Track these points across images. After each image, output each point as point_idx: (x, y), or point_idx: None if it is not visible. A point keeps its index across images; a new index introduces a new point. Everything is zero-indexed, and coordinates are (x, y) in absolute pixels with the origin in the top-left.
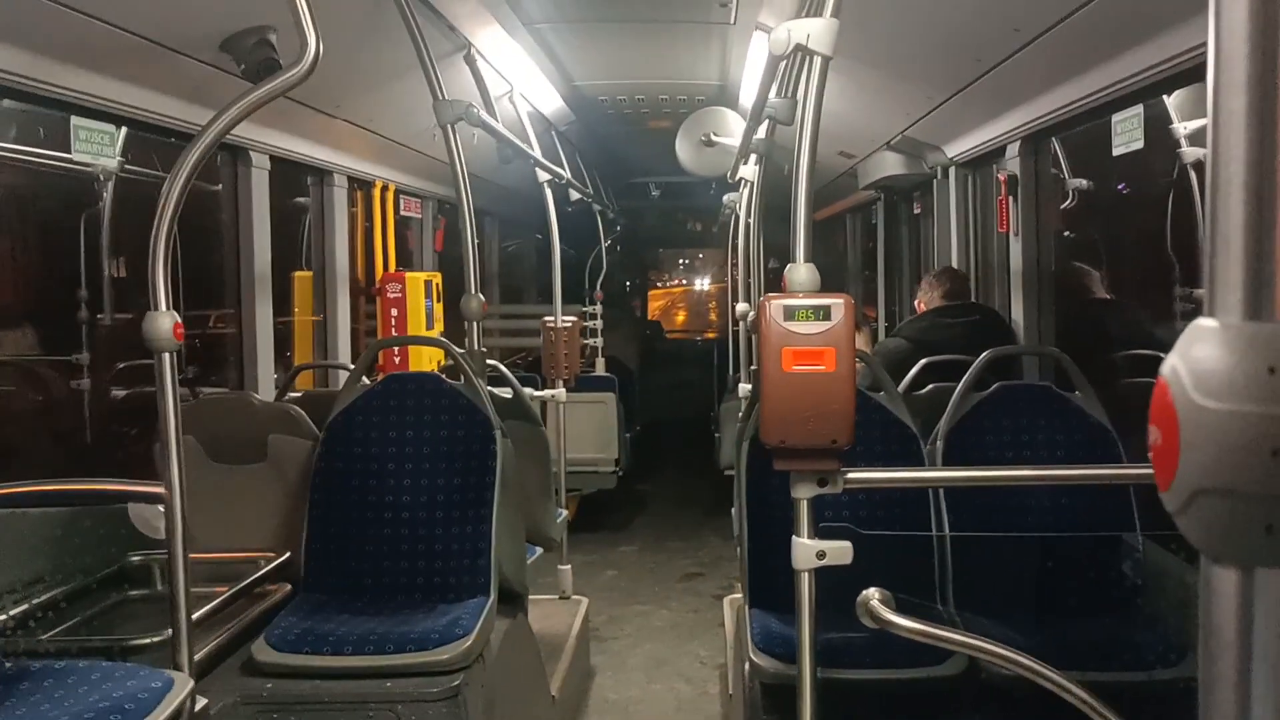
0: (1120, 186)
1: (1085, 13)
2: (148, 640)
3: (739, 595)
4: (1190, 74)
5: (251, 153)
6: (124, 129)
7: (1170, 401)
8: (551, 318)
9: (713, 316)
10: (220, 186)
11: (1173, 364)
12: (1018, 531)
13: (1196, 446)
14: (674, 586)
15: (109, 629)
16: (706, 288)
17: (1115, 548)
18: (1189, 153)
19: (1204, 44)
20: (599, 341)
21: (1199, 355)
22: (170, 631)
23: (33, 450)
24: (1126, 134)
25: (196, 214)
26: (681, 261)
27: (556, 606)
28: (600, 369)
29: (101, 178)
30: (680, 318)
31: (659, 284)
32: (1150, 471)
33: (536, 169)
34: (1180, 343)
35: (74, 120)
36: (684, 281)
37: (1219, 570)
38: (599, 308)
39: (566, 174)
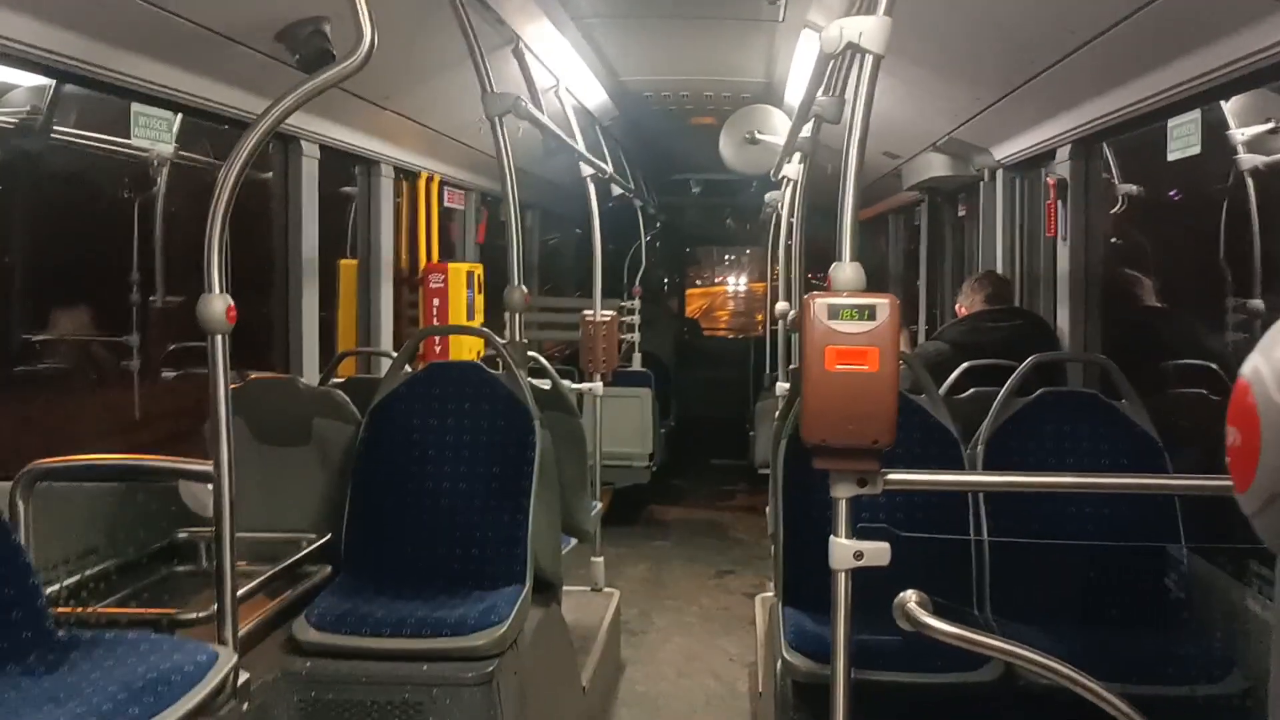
0: (1172, 193)
1: (1142, 15)
2: (194, 615)
3: (770, 593)
4: (1249, 79)
5: (302, 141)
6: (180, 115)
7: (1252, 402)
8: (591, 311)
9: (758, 325)
10: (270, 174)
11: (1254, 364)
12: (1058, 539)
13: (1278, 448)
14: (705, 583)
15: (157, 602)
16: (744, 287)
17: (1159, 560)
18: (1246, 159)
19: (1264, 49)
20: (636, 336)
21: None
22: (215, 607)
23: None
24: (1182, 139)
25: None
26: (729, 257)
27: (589, 598)
28: (637, 364)
29: (156, 163)
30: (718, 317)
31: (698, 282)
32: (1197, 483)
33: (580, 163)
34: (1263, 342)
35: (134, 106)
36: (723, 280)
37: None
38: (637, 303)
39: (609, 169)
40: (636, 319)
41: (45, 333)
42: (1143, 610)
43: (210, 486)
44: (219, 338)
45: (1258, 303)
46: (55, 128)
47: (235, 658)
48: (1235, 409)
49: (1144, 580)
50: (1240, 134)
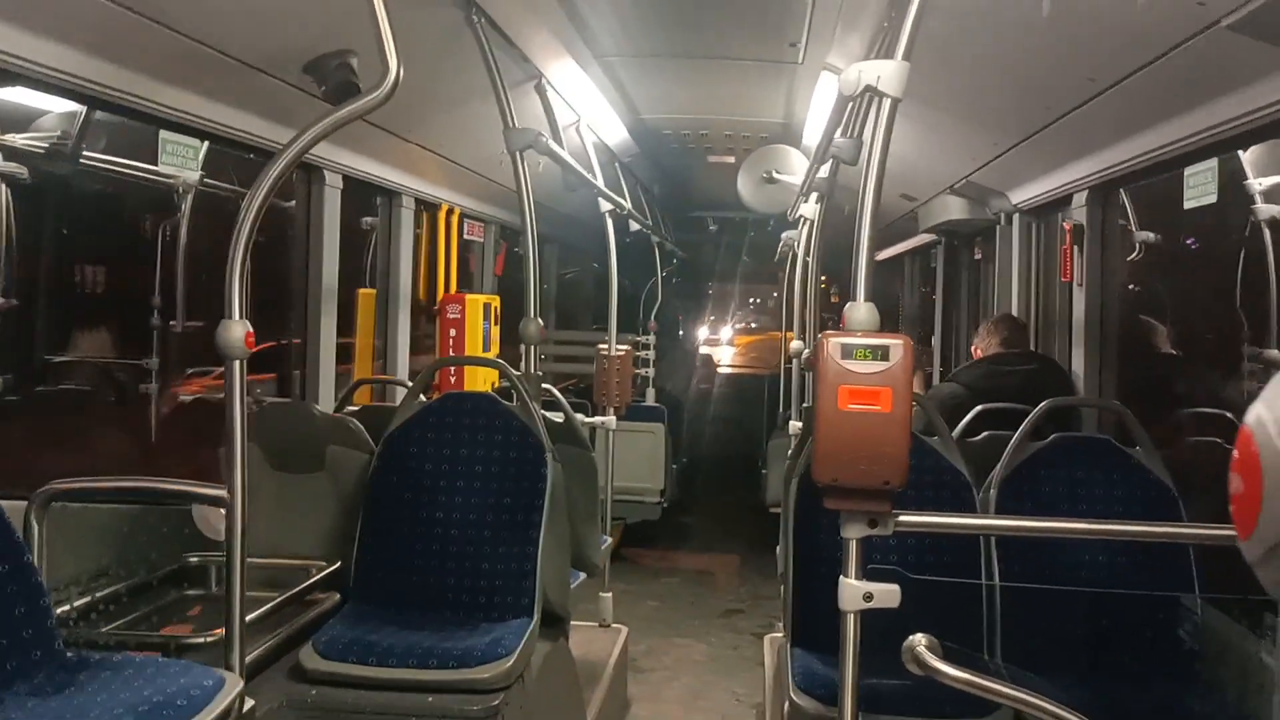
0: (1189, 241)
1: (1160, 64)
2: (201, 639)
3: (779, 634)
4: (1267, 129)
5: (326, 171)
6: (206, 143)
7: (1254, 450)
8: (606, 345)
9: (772, 363)
10: (293, 203)
11: (1258, 412)
12: (1071, 586)
13: None
14: (714, 621)
15: (166, 625)
16: (758, 325)
17: (1172, 610)
18: (1264, 209)
19: None
20: (651, 371)
21: None
22: (223, 632)
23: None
24: (1199, 187)
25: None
26: (753, 300)
27: (596, 634)
28: (651, 399)
29: (181, 190)
30: (732, 354)
31: (713, 320)
32: (1211, 532)
33: (599, 198)
34: (1267, 391)
35: (162, 134)
36: (739, 318)
37: None
38: (653, 338)
39: (628, 205)
40: (651, 354)
41: (66, 354)
42: (1155, 660)
43: (223, 511)
44: (236, 363)
45: (1274, 352)
46: (84, 153)
47: (241, 684)
48: (1238, 457)
49: (1157, 630)
50: (1258, 184)
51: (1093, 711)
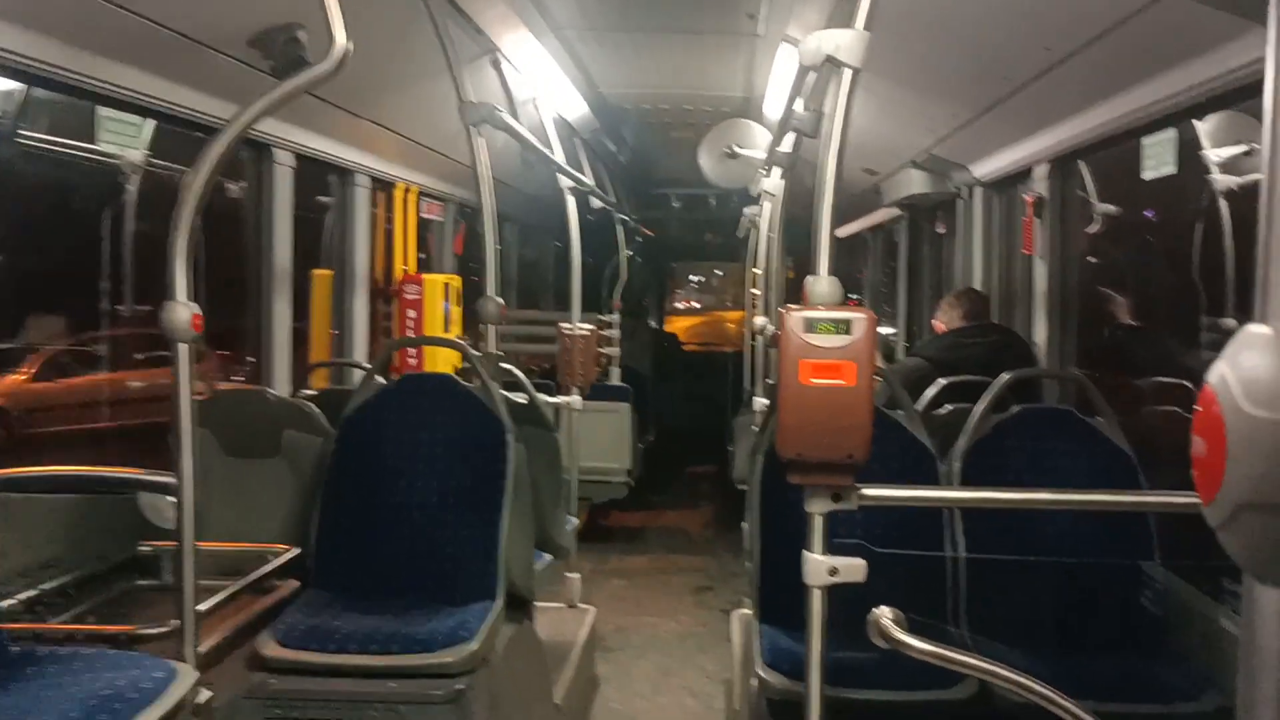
0: (1147, 212)
1: (1118, 33)
2: (154, 630)
3: (747, 610)
4: (1225, 98)
5: (276, 150)
6: (152, 122)
7: (1218, 411)
8: (569, 324)
9: (736, 340)
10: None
11: (1220, 372)
12: (1035, 557)
13: (1244, 459)
14: (683, 599)
15: (117, 617)
16: (723, 303)
17: (1134, 577)
18: (1220, 180)
19: (1239, 68)
20: (615, 350)
21: (1249, 363)
22: (177, 622)
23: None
24: (1157, 158)
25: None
26: (697, 280)
27: (564, 614)
28: (615, 378)
29: (128, 170)
30: (697, 332)
31: (678, 305)
32: (1173, 499)
33: (559, 176)
34: (1229, 350)
35: (99, 110)
36: (702, 296)
37: (1262, 589)
38: (616, 316)
39: (589, 181)
40: (615, 333)
41: (11, 341)
42: (1119, 628)
43: (172, 498)
44: (183, 346)
45: (1230, 321)
46: (23, 132)
47: (195, 675)
48: (1201, 418)
49: (1119, 599)
50: (1215, 155)
51: (1057, 680)
